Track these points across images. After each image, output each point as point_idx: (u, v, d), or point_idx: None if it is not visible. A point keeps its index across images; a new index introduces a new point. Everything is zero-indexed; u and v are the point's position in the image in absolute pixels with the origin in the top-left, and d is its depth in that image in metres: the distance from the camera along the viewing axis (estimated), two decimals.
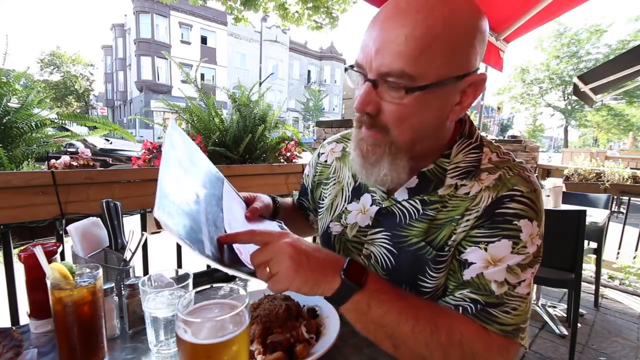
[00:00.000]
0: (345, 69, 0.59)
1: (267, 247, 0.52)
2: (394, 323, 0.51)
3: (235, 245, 0.57)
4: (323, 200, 0.82)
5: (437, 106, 0.55)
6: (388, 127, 0.55)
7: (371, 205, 0.69)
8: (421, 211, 0.62)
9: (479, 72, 0.55)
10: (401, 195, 0.65)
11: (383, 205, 0.67)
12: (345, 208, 0.74)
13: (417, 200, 0.63)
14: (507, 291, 0.54)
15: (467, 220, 0.58)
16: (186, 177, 0.57)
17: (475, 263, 0.56)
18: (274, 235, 0.53)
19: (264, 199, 0.80)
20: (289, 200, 0.97)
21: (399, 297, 0.53)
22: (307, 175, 0.91)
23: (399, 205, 0.65)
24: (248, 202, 0.78)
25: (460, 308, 0.55)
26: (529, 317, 0.57)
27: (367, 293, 0.51)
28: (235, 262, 0.54)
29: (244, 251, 0.56)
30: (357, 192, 0.73)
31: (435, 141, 0.62)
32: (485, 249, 0.55)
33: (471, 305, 0.55)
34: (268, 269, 0.50)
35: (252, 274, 0.52)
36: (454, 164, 0.61)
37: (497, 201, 0.56)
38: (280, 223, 0.77)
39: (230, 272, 0.49)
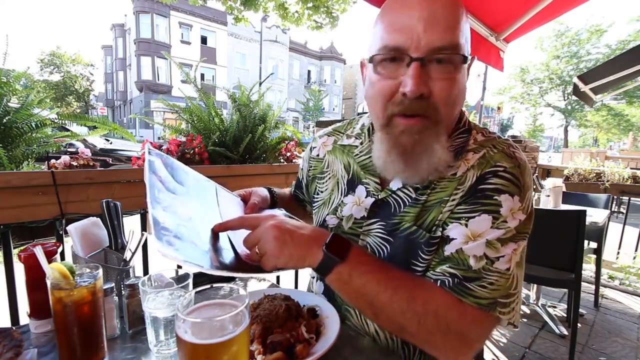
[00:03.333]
0: (370, 59, 0.58)
1: (255, 230, 0.56)
2: (373, 292, 0.54)
3: (239, 249, 0.59)
4: (318, 194, 0.83)
5: (465, 82, 0.59)
6: (437, 107, 0.55)
7: (366, 197, 0.70)
8: (413, 197, 0.63)
9: None
10: (396, 184, 0.66)
11: (379, 197, 0.68)
12: (342, 201, 0.75)
13: (410, 188, 0.64)
14: (485, 266, 0.55)
15: (454, 200, 0.59)
16: (176, 199, 0.58)
17: (455, 239, 0.57)
18: (261, 218, 0.57)
19: (260, 193, 0.82)
20: (287, 190, 0.98)
21: (379, 269, 0.56)
22: (302, 169, 0.92)
23: (394, 195, 0.66)
24: (245, 199, 0.80)
25: (439, 282, 0.57)
26: (516, 293, 0.57)
27: (348, 265, 0.54)
28: (241, 263, 0.56)
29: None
30: (352, 184, 0.74)
31: (452, 126, 0.64)
32: (466, 225, 0.57)
33: (449, 279, 0.56)
34: (257, 250, 0.54)
35: (260, 271, 0.56)
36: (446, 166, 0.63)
37: (480, 178, 0.58)
38: (282, 210, 0.80)
39: (242, 276, 0.52)
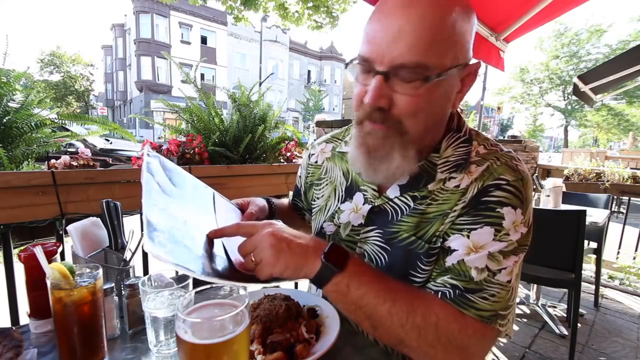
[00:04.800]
0: (346, 64, 0.59)
1: (251, 238, 0.55)
2: (372, 304, 0.52)
3: (233, 257, 0.59)
4: (315, 201, 0.82)
5: (445, 95, 0.56)
6: (400, 119, 0.55)
7: (364, 204, 0.70)
8: (412, 206, 0.63)
9: (472, 61, 0.57)
10: (393, 192, 0.65)
11: (375, 204, 0.67)
12: (339, 208, 0.74)
13: (408, 197, 0.64)
14: (487, 278, 0.55)
15: (455, 211, 0.59)
16: (172, 202, 0.58)
17: (457, 250, 0.57)
18: (258, 226, 0.56)
19: (258, 203, 0.81)
20: (285, 200, 0.98)
21: (378, 280, 0.54)
22: (300, 177, 0.91)
23: (390, 202, 0.66)
24: (242, 208, 0.79)
25: (440, 293, 0.57)
26: (513, 304, 0.57)
27: (347, 275, 0.53)
28: (234, 271, 0.55)
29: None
30: (350, 191, 0.74)
31: (439, 132, 0.63)
32: (468, 236, 0.56)
33: (450, 290, 0.56)
34: (253, 258, 0.53)
35: (254, 280, 0.54)
36: (443, 159, 0.62)
37: (482, 190, 0.57)
38: (279, 222, 0.78)
39: (234, 284, 0.51)
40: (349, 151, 0.65)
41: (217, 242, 0.60)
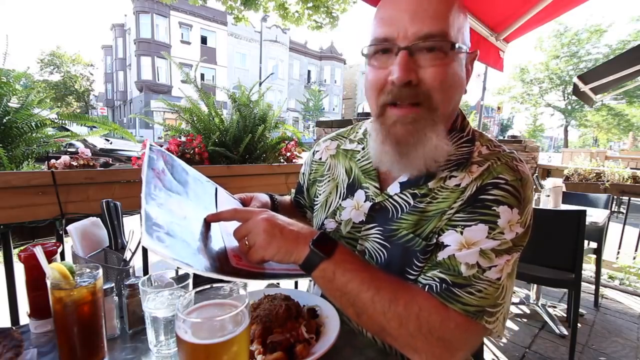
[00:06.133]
0: (363, 52, 0.59)
1: (246, 223, 0.57)
2: (355, 291, 0.54)
3: (230, 254, 0.59)
4: (317, 197, 0.83)
5: (461, 73, 0.59)
6: (430, 94, 0.56)
7: (365, 202, 0.70)
8: (412, 204, 0.63)
9: None
10: (393, 189, 0.66)
11: (376, 201, 0.68)
12: (340, 205, 0.75)
13: (408, 194, 0.64)
14: (476, 273, 0.55)
15: (453, 208, 0.59)
16: (173, 197, 0.58)
17: (450, 245, 0.57)
18: (253, 212, 0.58)
19: (260, 199, 0.82)
20: (287, 198, 0.98)
21: (364, 269, 0.56)
22: (303, 174, 0.92)
23: (391, 200, 0.66)
24: (245, 203, 0.80)
25: (427, 286, 0.57)
26: (503, 303, 0.56)
27: (333, 262, 0.54)
28: (232, 268, 0.56)
29: (243, 258, 0.58)
30: (351, 188, 0.74)
31: (450, 120, 0.64)
32: (462, 233, 0.57)
33: (437, 283, 0.56)
34: (247, 242, 0.55)
35: (252, 277, 0.55)
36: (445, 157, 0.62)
37: (480, 188, 0.57)
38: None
39: (233, 280, 0.52)
40: (370, 148, 0.66)
41: (217, 238, 0.60)
